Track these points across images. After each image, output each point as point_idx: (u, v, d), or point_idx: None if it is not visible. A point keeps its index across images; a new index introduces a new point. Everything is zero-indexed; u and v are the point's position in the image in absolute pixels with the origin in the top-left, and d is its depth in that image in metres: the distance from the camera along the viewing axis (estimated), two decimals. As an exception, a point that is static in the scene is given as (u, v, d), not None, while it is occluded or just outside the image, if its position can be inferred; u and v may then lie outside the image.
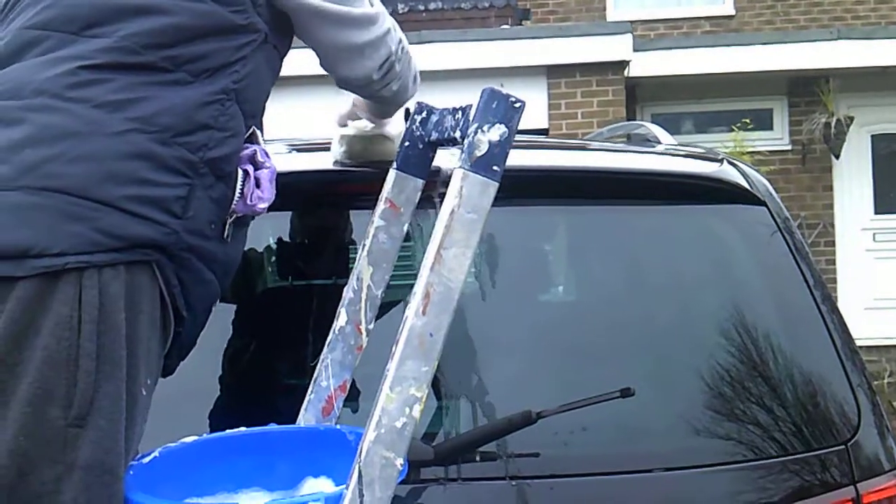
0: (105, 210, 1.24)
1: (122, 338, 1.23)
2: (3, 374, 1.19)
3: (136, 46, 1.31)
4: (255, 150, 1.43)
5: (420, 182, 1.58)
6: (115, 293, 1.23)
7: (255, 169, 1.41)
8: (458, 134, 1.33)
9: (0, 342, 1.19)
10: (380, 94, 1.59)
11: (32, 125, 1.26)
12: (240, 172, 1.39)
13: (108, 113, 1.27)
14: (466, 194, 1.23)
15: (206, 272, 1.35)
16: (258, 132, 1.45)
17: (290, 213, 1.82)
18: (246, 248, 1.52)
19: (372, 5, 1.54)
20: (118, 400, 1.23)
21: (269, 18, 1.43)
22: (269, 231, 1.86)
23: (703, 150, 2.12)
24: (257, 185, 1.41)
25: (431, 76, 7.43)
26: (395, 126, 1.70)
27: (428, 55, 7.68)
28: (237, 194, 1.38)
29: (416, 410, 1.20)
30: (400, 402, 1.19)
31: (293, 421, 1.56)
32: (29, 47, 1.34)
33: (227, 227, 1.38)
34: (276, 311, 1.81)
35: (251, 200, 1.39)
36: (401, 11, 10.14)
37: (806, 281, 1.81)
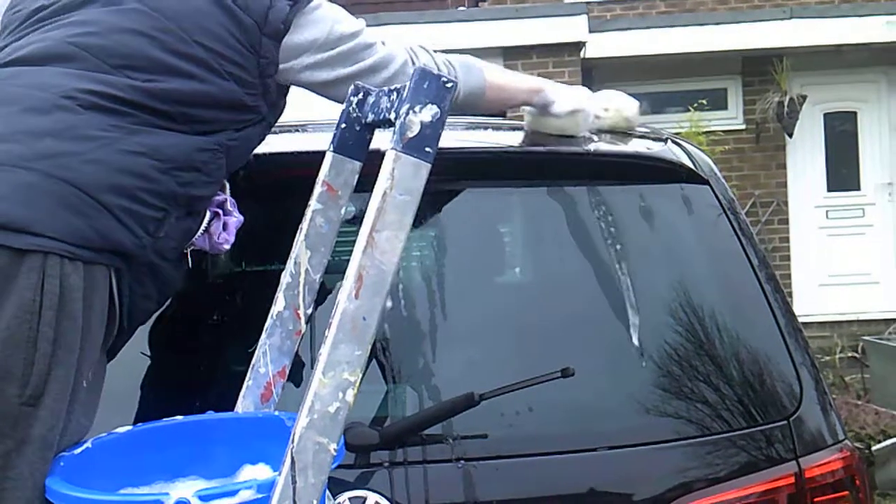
0: (103, 212, 1.34)
1: (77, 327, 1.30)
2: None
3: (160, 93, 1.45)
4: (225, 199, 1.60)
5: (357, 164, 1.56)
6: (73, 285, 1.30)
7: (225, 214, 1.59)
8: (392, 115, 1.31)
9: None
10: None
11: (58, 121, 1.37)
12: (209, 213, 1.55)
13: (124, 134, 1.40)
14: (399, 176, 1.21)
15: (153, 290, 1.46)
16: (227, 184, 1.62)
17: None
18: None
19: (384, 44, 1.72)
20: (67, 384, 1.30)
21: (272, 103, 1.64)
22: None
23: (647, 130, 2.12)
24: (224, 229, 1.58)
25: (386, 58, 7.43)
26: (561, 105, 1.86)
27: (384, 37, 7.62)
28: (201, 230, 1.53)
29: (350, 395, 1.19)
30: (333, 386, 1.18)
31: (231, 408, 1.54)
32: (63, 59, 1.45)
33: (187, 255, 1.54)
34: (213, 298, 1.79)
35: (218, 239, 1.57)
36: (357, -7, 10.07)
37: (750, 260, 1.82)
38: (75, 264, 1.31)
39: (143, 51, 1.47)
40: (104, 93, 1.41)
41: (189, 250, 1.55)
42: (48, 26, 1.52)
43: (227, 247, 1.59)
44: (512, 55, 8.03)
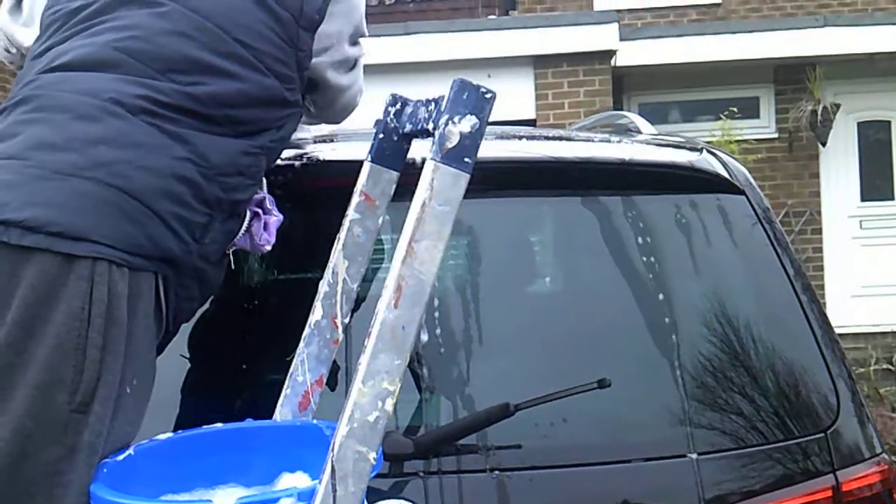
0: (154, 219, 1.35)
1: (123, 333, 1.31)
2: (12, 358, 1.26)
3: (204, 97, 1.45)
4: (264, 197, 1.61)
5: (395, 174, 1.57)
6: (120, 292, 1.31)
7: (264, 213, 1.59)
8: (431, 125, 1.31)
9: (14, 327, 1.26)
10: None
11: (109, 127, 1.37)
12: (248, 213, 1.56)
13: (172, 140, 1.40)
14: (438, 186, 1.22)
15: (196, 291, 1.47)
16: (264, 181, 1.63)
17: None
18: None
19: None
20: (112, 390, 1.31)
21: (304, 96, 1.65)
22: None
23: (682, 140, 2.12)
24: (265, 229, 1.58)
25: (418, 67, 7.46)
26: None
27: (414, 46, 7.65)
28: (242, 230, 1.54)
29: (389, 404, 1.19)
30: (372, 395, 1.19)
31: (270, 416, 1.55)
32: (109, 65, 1.45)
33: (228, 255, 1.55)
34: (252, 307, 1.81)
35: (260, 241, 1.58)
36: (387, 2, 10.12)
37: (786, 271, 1.81)
38: (122, 271, 1.32)
39: (185, 52, 1.47)
40: (152, 98, 1.41)
41: (231, 251, 1.56)
42: (90, 30, 1.51)
43: (269, 247, 1.59)
44: (542, 63, 8.04)
